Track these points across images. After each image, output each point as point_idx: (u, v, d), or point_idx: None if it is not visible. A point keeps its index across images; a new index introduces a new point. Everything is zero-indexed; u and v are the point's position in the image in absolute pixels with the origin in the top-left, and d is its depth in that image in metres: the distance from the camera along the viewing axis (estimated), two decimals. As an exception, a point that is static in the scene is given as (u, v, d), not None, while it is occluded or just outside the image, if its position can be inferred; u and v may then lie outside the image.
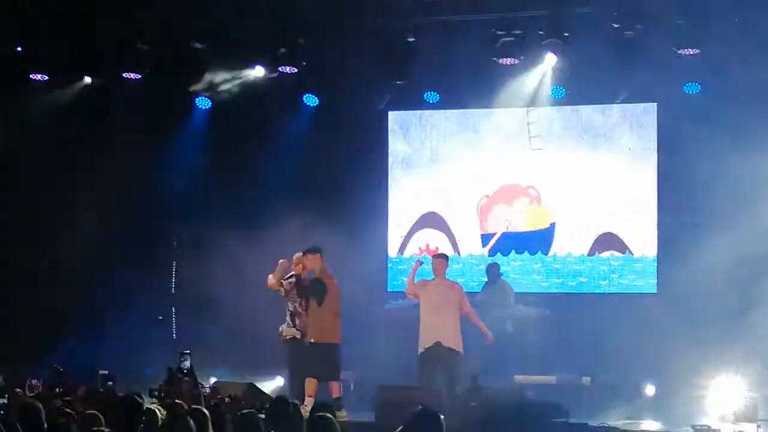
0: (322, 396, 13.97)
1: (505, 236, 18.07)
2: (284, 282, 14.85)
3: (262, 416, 8.17)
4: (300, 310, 14.77)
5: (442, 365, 14.65)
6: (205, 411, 8.49)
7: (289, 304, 14.85)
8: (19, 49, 17.08)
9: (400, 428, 7.05)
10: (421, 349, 14.74)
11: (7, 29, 16.71)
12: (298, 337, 14.73)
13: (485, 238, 18.13)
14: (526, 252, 17.92)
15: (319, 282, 14.44)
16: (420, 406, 7.43)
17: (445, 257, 15.44)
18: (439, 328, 14.71)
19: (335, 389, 14.21)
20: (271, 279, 14.93)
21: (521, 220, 18.03)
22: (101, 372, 13.82)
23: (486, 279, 17.35)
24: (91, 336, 17.13)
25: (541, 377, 16.19)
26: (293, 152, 18.16)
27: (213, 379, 15.36)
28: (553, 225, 17.83)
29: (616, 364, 16.11)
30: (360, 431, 11.73)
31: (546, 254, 17.82)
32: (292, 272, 14.73)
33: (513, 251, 17.98)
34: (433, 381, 14.46)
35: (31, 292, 17.79)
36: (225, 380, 15.04)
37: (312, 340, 14.40)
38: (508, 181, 18.06)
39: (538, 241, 17.90)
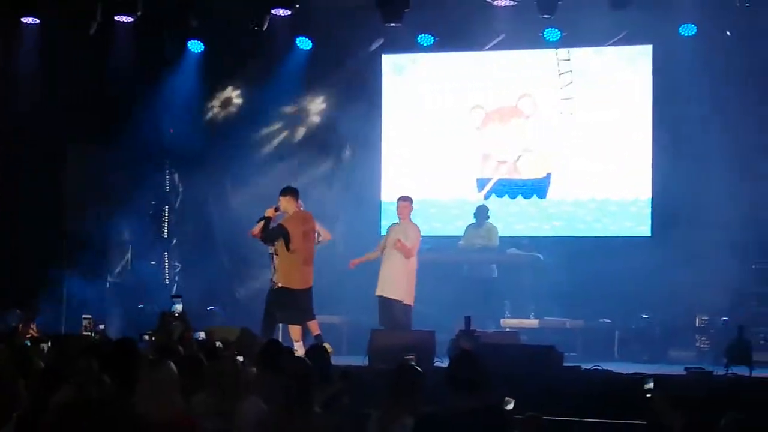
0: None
1: (501, 182, 17.98)
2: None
3: (241, 359, 8.11)
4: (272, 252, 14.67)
5: (382, 314, 14.58)
6: (199, 356, 8.48)
7: (269, 247, 14.72)
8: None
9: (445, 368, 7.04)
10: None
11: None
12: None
13: (480, 183, 18.04)
14: (520, 196, 17.85)
15: (280, 227, 14.09)
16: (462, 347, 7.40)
17: (405, 199, 14.93)
18: (380, 276, 14.63)
19: (314, 328, 14.13)
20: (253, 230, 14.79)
21: (519, 167, 17.93)
22: (84, 316, 13.72)
23: (474, 221, 17.23)
24: (82, 282, 17.09)
25: (526, 320, 16.16)
26: (287, 96, 18.09)
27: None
28: (549, 175, 17.75)
29: (609, 306, 16.12)
30: (354, 374, 11.68)
31: (542, 199, 17.76)
32: (264, 215, 14.30)
33: (507, 196, 17.91)
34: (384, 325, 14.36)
35: (22, 238, 17.70)
36: (217, 325, 15.04)
37: (280, 285, 14.18)
38: (505, 124, 17.96)
39: (534, 187, 17.82)
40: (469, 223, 17.12)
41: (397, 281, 14.48)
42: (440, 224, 17.90)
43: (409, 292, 14.52)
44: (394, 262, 14.52)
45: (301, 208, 14.31)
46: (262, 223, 14.30)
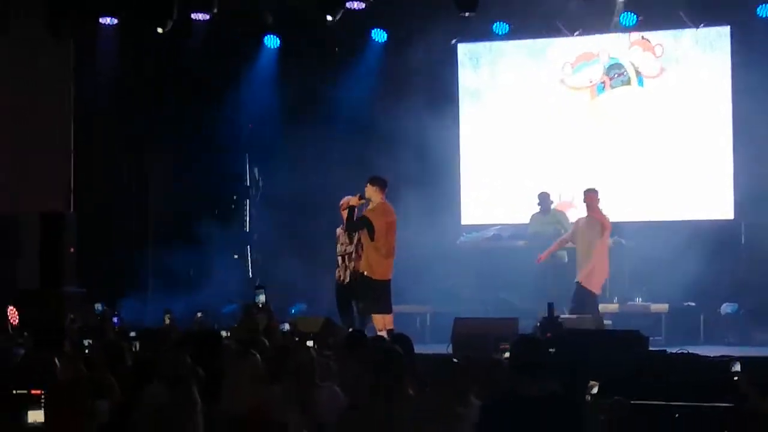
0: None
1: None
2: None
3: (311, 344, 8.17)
4: (348, 250, 14.51)
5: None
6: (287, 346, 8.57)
7: (338, 246, 14.47)
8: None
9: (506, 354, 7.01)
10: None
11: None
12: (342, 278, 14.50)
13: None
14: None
15: (364, 218, 13.97)
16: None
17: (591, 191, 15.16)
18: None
19: (389, 322, 13.99)
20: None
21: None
22: (166, 312, 13.90)
23: (538, 210, 17.05)
24: (165, 279, 17.29)
25: (610, 305, 16.06)
26: (362, 88, 18.14)
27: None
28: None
29: (694, 290, 15.96)
30: (438, 363, 11.69)
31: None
32: (349, 202, 14.11)
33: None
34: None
35: (106, 232, 17.96)
36: (301, 315, 15.13)
37: (365, 273, 14.08)
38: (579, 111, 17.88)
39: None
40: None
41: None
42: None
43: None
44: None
45: (386, 200, 14.15)
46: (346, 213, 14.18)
